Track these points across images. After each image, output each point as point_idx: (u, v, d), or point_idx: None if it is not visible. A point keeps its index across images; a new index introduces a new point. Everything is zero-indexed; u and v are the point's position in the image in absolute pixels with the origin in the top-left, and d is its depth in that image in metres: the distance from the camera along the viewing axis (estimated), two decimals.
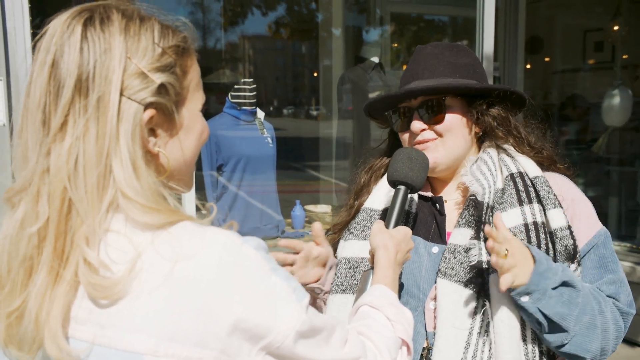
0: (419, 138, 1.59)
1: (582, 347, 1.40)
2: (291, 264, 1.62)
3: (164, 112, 0.99)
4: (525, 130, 1.64)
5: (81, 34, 0.93)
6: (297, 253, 1.62)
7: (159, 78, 0.96)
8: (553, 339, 1.39)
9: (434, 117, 1.58)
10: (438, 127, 1.58)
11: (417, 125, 1.58)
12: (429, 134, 1.59)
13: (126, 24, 0.96)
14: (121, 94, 0.93)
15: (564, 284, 1.38)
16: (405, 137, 1.64)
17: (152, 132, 0.99)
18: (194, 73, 1.06)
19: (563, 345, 1.40)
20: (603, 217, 5.85)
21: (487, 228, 1.36)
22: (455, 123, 1.59)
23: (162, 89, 0.97)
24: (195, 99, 1.06)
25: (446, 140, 1.59)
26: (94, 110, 0.91)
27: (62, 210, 0.91)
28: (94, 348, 0.90)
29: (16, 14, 2.85)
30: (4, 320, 0.93)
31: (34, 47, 1.00)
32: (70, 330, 0.91)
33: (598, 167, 6.36)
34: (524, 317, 1.41)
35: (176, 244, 0.91)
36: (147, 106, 0.95)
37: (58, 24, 0.95)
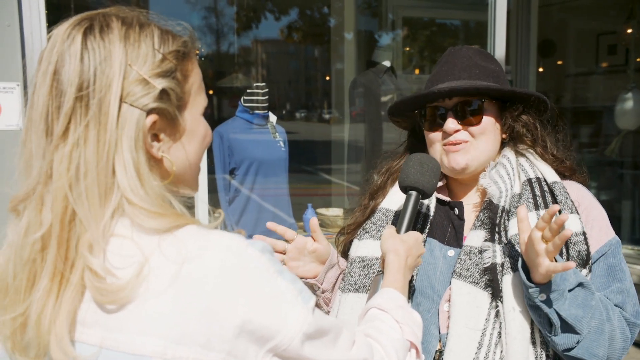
0: (451, 139, 1.58)
1: (590, 351, 1.39)
2: (282, 252, 1.62)
3: (166, 117, 0.99)
4: (550, 139, 1.64)
5: (81, 42, 0.94)
6: (289, 243, 1.62)
7: (160, 84, 0.97)
8: (563, 341, 1.38)
9: (470, 118, 1.58)
10: (473, 129, 1.58)
11: (451, 125, 1.57)
12: (462, 135, 1.58)
13: (126, 31, 0.96)
14: (122, 101, 0.93)
15: (580, 284, 1.38)
16: (433, 136, 1.63)
17: (155, 137, 1.00)
18: (196, 77, 1.06)
19: (571, 349, 1.39)
20: (616, 220, 5.81)
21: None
22: (490, 126, 1.59)
23: (163, 94, 0.97)
24: (197, 103, 1.07)
25: (479, 143, 1.58)
26: (94, 117, 0.92)
27: (65, 218, 0.92)
28: (102, 352, 0.90)
29: (33, 20, 2.89)
30: (9, 326, 0.94)
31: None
32: (77, 334, 0.92)
33: (611, 171, 6.32)
34: (535, 318, 1.41)
35: (182, 247, 0.92)
36: (150, 112, 0.96)
37: (59, 33, 0.97)
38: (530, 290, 1.35)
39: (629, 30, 6.10)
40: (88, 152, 0.92)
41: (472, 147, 1.58)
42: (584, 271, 1.46)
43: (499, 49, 3.95)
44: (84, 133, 0.92)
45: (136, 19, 1.00)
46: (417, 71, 6.98)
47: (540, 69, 6.94)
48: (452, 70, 1.63)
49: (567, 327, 1.37)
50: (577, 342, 1.38)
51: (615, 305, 1.46)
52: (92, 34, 0.95)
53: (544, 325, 1.40)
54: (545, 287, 1.34)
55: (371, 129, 5.57)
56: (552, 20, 7.02)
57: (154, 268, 0.90)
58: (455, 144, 1.58)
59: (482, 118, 1.58)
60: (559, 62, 7.50)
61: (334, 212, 5.28)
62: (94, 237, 0.91)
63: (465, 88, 1.55)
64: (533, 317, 1.41)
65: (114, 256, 0.92)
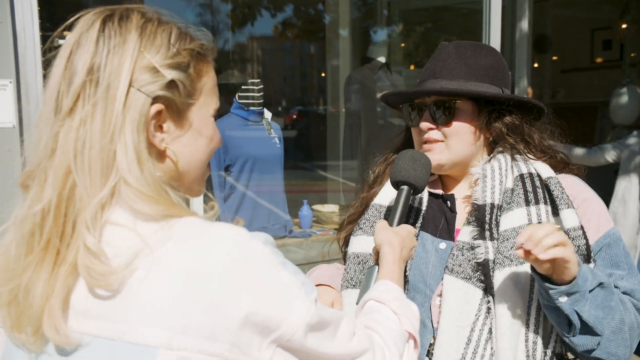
0: (425, 136, 1.60)
1: (609, 351, 1.38)
2: None
3: (172, 109, 1.00)
4: (539, 135, 1.63)
5: (99, 29, 0.97)
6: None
7: (170, 74, 0.98)
8: (583, 342, 1.37)
9: (443, 118, 1.59)
10: (445, 130, 1.59)
11: (424, 124, 1.59)
12: (435, 134, 1.60)
13: (144, 23, 0.99)
14: (130, 85, 0.95)
15: (600, 284, 1.37)
16: (414, 132, 1.67)
17: (160, 128, 1.01)
18: (209, 79, 1.07)
19: (592, 350, 1.38)
20: (612, 216, 5.80)
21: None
22: (462, 129, 1.59)
23: (172, 84, 0.99)
24: (208, 104, 1.07)
25: (451, 144, 1.59)
26: (103, 97, 0.94)
27: (64, 192, 0.94)
28: (106, 342, 0.91)
29: (25, 17, 2.87)
30: (5, 298, 0.95)
31: (44, 51, 1.03)
32: (77, 324, 0.92)
33: (606, 166, 6.31)
34: (552, 318, 1.40)
35: (184, 238, 0.92)
36: (155, 100, 0.97)
37: (81, 21, 1.00)
38: (550, 292, 1.34)
39: (624, 26, 6.12)
40: (94, 130, 0.94)
41: (444, 148, 1.60)
42: (590, 265, 1.45)
43: (494, 43, 3.94)
44: (91, 111, 0.94)
45: (157, 16, 1.02)
46: (412, 67, 6.97)
47: (536, 65, 6.95)
48: (434, 69, 1.63)
49: (586, 329, 1.36)
50: (598, 344, 1.37)
51: (624, 293, 1.46)
52: (111, 21, 0.98)
53: (562, 326, 1.39)
54: (569, 287, 1.33)
55: (367, 125, 5.57)
56: (547, 15, 7.03)
57: (156, 258, 0.90)
58: (429, 142, 1.60)
59: (452, 120, 1.58)
60: (554, 58, 7.52)
61: (330, 209, 5.28)
62: (92, 214, 0.92)
63: (429, 90, 1.57)
64: (550, 317, 1.41)
65: (112, 240, 0.93)
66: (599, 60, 7.02)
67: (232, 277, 0.91)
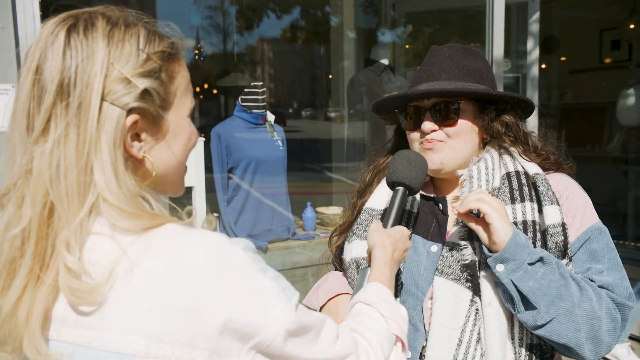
0: (428, 137, 1.60)
1: (556, 332, 1.39)
2: None
3: (148, 117, 0.99)
4: (532, 137, 1.64)
5: (64, 40, 0.94)
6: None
7: (142, 83, 0.96)
8: (526, 318, 1.40)
9: (446, 119, 1.59)
10: (449, 130, 1.59)
11: (428, 125, 1.59)
12: (438, 135, 1.59)
13: (110, 30, 0.96)
14: (103, 99, 0.93)
15: (541, 259, 1.39)
16: (413, 136, 1.65)
17: (137, 137, 1.00)
18: (182, 79, 1.06)
19: (537, 327, 1.40)
20: (620, 217, 5.77)
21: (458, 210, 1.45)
22: (465, 128, 1.60)
23: (145, 94, 0.97)
24: (183, 104, 1.06)
25: (454, 143, 1.59)
26: (75, 115, 0.93)
27: (43, 213, 0.93)
28: (86, 351, 0.91)
29: (27, 22, 2.90)
30: None
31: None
32: (57, 333, 0.93)
33: (614, 167, 6.27)
34: (501, 293, 1.43)
35: (163, 246, 0.92)
36: (130, 111, 0.96)
37: (44, 31, 0.97)
38: (488, 260, 1.41)
39: (632, 26, 6.07)
40: (68, 150, 0.92)
41: (446, 147, 1.59)
42: (564, 261, 1.47)
43: (497, 48, 3.93)
44: (64, 130, 0.92)
45: (123, 18, 0.99)
46: (418, 68, 6.95)
47: (543, 65, 6.91)
48: (432, 71, 1.63)
49: (526, 303, 1.39)
50: (544, 323, 1.38)
51: (601, 287, 1.46)
52: (76, 32, 0.95)
53: (508, 301, 1.42)
54: (501, 253, 1.38)
55: (372, 126, 5.57)
56: (555, 16, 6.99)
57: (135, 267, 0.90)
58: (430, 142, 1.59)
59: (457, 119, 1.58)
60: (562, 58, 7.47)
61: (334, 211, 5.28)
62: (71, 233, 0.91)
63: (439, 90, 1.55)
64: (500, 292, 1.43)
65: (92, 252, 0.92)
66: (607, 60, 6.97)
67: (212, 283, 0.91)
